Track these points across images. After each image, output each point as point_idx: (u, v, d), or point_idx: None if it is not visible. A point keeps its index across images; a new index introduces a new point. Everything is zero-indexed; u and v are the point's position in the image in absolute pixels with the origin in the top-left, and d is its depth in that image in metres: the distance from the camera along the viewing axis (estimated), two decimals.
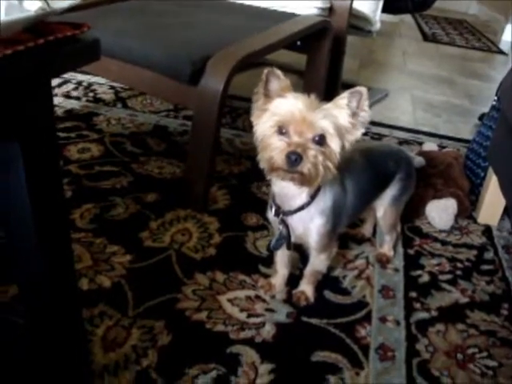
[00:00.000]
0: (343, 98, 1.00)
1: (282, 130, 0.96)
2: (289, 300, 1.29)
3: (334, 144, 0.97)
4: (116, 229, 1.47)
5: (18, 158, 0.68)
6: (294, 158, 0.93)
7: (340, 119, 0.99)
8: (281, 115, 0.97)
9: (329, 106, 1.00)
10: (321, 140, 0.96)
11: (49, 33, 0.60)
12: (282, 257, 1.30)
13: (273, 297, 1.29)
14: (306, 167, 0.94)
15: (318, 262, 1.24)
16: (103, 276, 1.29)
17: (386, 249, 1.49)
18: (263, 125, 1.00)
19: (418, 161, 1.67)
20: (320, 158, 0.95)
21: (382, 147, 1.45)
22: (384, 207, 1.36)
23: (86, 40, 0.66)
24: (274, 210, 1.16)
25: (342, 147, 1.00)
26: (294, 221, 1.15)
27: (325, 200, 1.13)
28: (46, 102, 0.70)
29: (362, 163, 1.24)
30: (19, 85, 0.58)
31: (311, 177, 0.97)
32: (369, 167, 1.25)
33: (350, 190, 1.18)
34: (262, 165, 1.01)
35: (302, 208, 1.11)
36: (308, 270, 1.28)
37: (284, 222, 1.16)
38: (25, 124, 0.67)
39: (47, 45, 0.59)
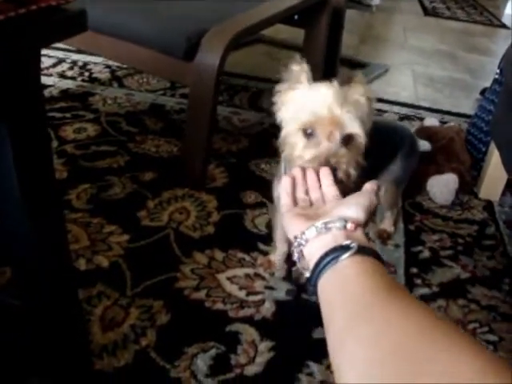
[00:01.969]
0: (360, 84, 0.91)
1: (307, 132, 0.86)
2: (288, 277, 1.28)
3: (361, 139, 0.88)
4: (113, 208, 1.45)
5: (5, 138, 0.66)
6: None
7: (363, 112, 0.89)
8: (306, 115, 0.86)
9: (352, 95, 0.89)
10: (348, 139, 0.86)
11: (32, 2, 0.58)
12: (282, 233, 1.27)
13: (272, 274, 1.28)
14: (339, 177, 0.83)
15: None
16: (101, 256, 1.28)
17: (387, 224, 1.47)
18: (287, 122, 0.90)
19: (423, 144, 1.64)
20: (352, 161, 0.86)
21: (386, 123, 1.42)
22: (386, 184, 1.33)
23: (72, 10, 0.63)
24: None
25: None
26: None
27: None
28: (33, 77, 0.67)
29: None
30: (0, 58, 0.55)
31: (344, 182, 0.85)
32: (373, 142, 1.21)
33: None
34: (288, 159, 0.93)
35: None
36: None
37: None
38: (10, 102, 0.64)
39: (30, 15, 0.56)
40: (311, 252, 0.63)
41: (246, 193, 1.59)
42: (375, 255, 0.59)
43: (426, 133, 1.88)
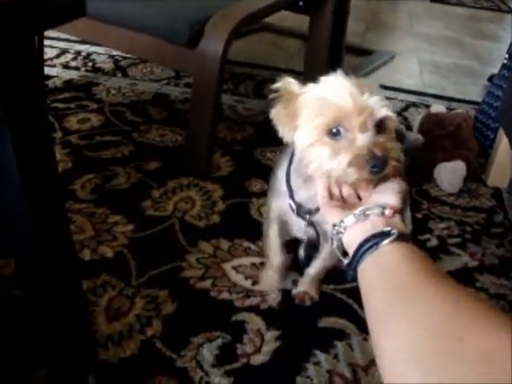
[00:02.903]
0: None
1: (333, 131, 0.73)
2: (294, 267, 1.26)
3: (393, 122, 0.77)
4: (118, 198, 1.45)
5: (5, 128, 0.65)
6: (381, 164, 0.70)
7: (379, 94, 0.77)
8: (328, 112, 0.73)
9: (364, 82, 0.78)
10: (381, 124, 0.75)
11: None
12: (277, 243, 1.14)
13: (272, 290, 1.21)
14: (392, 168, 0.72)
15: (332, 255, 1.03)
16: (105, 246, 1.27)
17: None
18: (302, 134, 0.77)
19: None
20: (398, 148, 0.74)
21: None
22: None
23: None
24: (295, 210, 0.96)
25: None
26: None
27: None
28: (32, 63, 0.66)
29: None
30: None
31: (401, 173, 0.76)
32: None
33: None
34: (325, 180, 0.76)
35: None
36: (317, 268, 1.14)
37: (312, 223, 0.98)
38: (8, 89, 0.63)
39: None
40: (351, 239, 0.64)
41: (252, 181, 1.57)
42: (410, 239, 0.61)
43: (433, 119, 1.85)
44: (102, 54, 2.44)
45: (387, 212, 0.64)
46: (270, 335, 1.09)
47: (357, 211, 0.65)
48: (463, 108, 2.20)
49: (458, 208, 1.57)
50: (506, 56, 1.86)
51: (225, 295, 1.17)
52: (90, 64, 2.33)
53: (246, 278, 1.22)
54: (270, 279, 1.20)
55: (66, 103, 1.94)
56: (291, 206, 0.96)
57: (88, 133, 1.76)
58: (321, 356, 1.05)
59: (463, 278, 1.30)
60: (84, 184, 1.49)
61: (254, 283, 1.21)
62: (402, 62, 2.81)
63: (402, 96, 2.32)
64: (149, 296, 1.15)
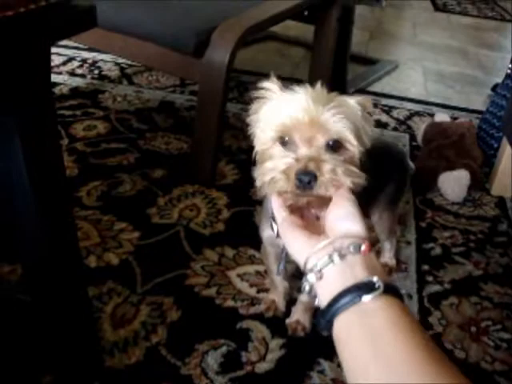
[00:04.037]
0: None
1: (284, 140, 0.71)
2: (297, 275, 1.26)
3: (353, 147, 0.71)
4: (123, 206, 1.46)
5: (15, 135, 0.66)
6: (307, 180, 0.66)
7: (355, 115, 0.74)
8: (280, 120, 0.71)
9: (340, 98, 0.74)
10: (336, 144, 0.70)
11: None
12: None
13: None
14: (323, 187, 0.67)
15: None
16: (111, 253, 1.28)
17: (387, 257, 1.34)
18: (259, 135, 0.75)
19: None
20: (339, 169, 0.68)
21: (378, 141, 1.27)
22: (379, 210, 1.21)
23: (82, 6, 0.63)
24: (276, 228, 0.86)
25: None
26: None
27: None
28: (43, 73, 0.67)
29: None
30: (9, 53, 0.55)
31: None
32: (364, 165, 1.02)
33: None
34: (261, 184, 0.73)
35: None
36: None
37: None
38: (20, 98, 0.64)
39: (39, 10, 0.56)
40: (326, 284, 0.57)
41: (257, 189, 1.58)
42: (397, 293, 0.55)
43: (437, 128, 1.86)
44: (108, 62, 2.45)
45: (363, 248, 0.57)
46: (275, 343, 1.09)
47: (329, 249, 0.58)
48: (467, 117, 2.21)
49: (462, 217, 1.58)
50: (510, 66, 1.87)
51: (230, 303, 1.18)
52: (96, 71, 2.35)
53: (251, 285, 1.23)
54: (275, 304, 1.18)
55: (72, 110, 1.96)
56: (272, 227, 0.86)
57: (94, 140, 1.77)
58: (325, 364, 1.06)
59: (467, 286, 1.30)
60: (90, 191, 1.50)
61: (259, 291, 1.22)
62: (406, 71, 2.82)
63: (406, 105, 2.33)
64: (154, 303, 1.15)
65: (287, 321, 1.15)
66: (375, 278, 0.54)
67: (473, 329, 1.18)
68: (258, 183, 0.73)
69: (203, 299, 1.18)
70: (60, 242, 0.83)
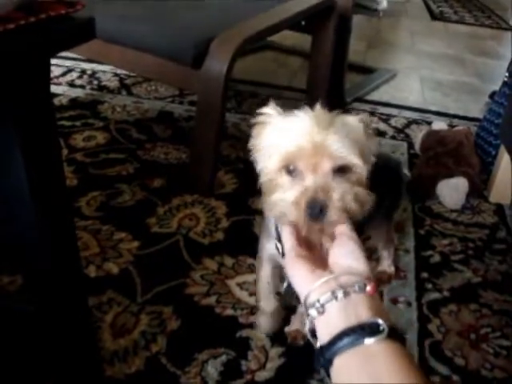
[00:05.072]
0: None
1: (289, 168, 0.69)
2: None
3: (360, 169, 0.70)
4: (123, 215, 1.46)
5: (16, 145, 0.67)
6: (318, 210, 0.65)
7: (358, 134, 0.73)
8: (284, 148, 0.69)
9: (341, 118, 0.72)
10: (343, 169, 0.69)
11: (42, 11, 0.58)
12: (266, 288, 1.09)
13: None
14: (334, 216, 0.66)
15: None
16: (111, 263, 1.29)
17: (386, 265, 1.34)
18: (263, 165, 0.73)
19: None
20: (349, 195, 0.67)
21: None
22: (375, 223, 1.19)
23: (81, 19, 0.64)
24: (281, 252, 0.83)
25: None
26: None
27: None
28: (43, 84, 0.68)
29: None
30: (10, 65, 0.56)
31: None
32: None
33: None
34: (271, 214, 0.72)
35: None
36: None
37: None
38: (21, 109, 0.65)
39: (39, 23, 0.57)
40: (328, 320, 0.56)
41: (256, 199, 1.58)
42: (400, 337, 0.54)
43: (435, 136, 1.87)
44: (107, 73, 2.47)
45: (368, 289, 0.56)
46: (275, 352, 1.09)
47: (334, 285, 0.56)
48: (465, 125, 2.22)
49: (461, 224, 1.58)
50: (507, 74, 1.88)
51: (229, 312, 1.18)
52: (95, 82, 2.36)
53: (251, 294, 1.23)
54: (265, 324, 1.14)
55: (72, 121, 1.97)
56: (277, 248, 0.85)
57: (93, 150, 1.78)
58: (325, 373, 1.05)
59: (466, 294, 1.31)
60: (89, 201, 1.51)
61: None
62: (404, 80, 2.84)
63: (403, 113, 2.34)
64: (154, 312, 1.16)
65: (286, 329, 1.15)
66: (380, 321, 0.53)
67: (472, 336, 1.18)
68: (268, 211, 0.72)
69: (203, 308, 1.18)
70: (60, 252, 0.84)
